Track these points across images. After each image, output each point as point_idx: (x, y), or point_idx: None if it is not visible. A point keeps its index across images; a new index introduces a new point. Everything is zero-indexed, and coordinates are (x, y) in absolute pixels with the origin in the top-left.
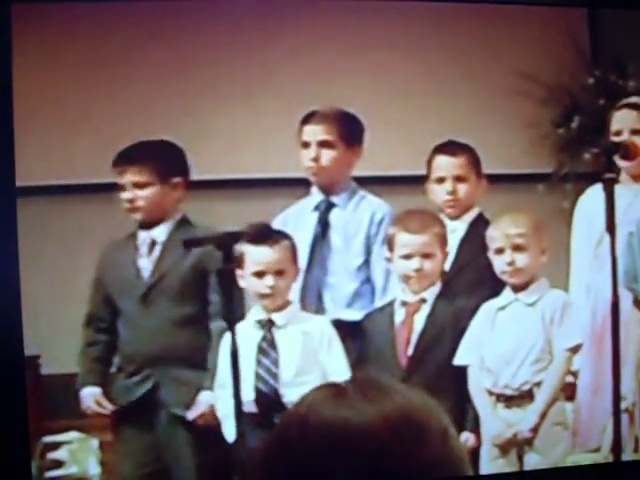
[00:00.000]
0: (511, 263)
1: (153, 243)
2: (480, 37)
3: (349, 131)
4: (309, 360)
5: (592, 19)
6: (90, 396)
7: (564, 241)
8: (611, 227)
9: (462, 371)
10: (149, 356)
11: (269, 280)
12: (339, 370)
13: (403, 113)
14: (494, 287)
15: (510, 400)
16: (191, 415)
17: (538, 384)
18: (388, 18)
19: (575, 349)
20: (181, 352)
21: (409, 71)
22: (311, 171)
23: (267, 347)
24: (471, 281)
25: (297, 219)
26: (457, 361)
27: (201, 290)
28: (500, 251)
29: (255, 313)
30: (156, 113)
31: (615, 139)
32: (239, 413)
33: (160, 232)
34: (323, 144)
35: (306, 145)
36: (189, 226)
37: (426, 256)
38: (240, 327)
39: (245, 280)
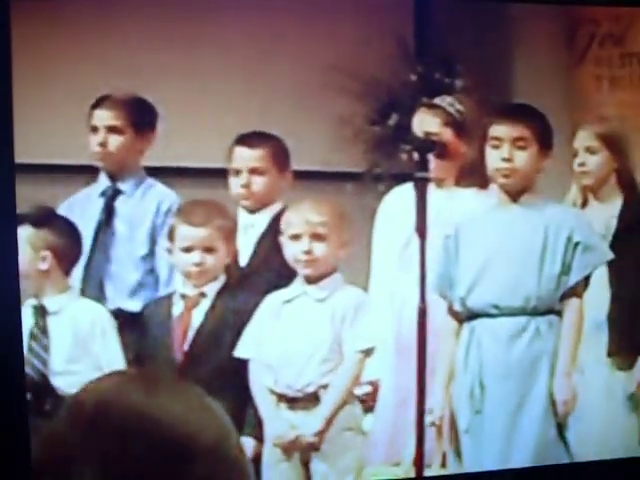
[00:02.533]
0: (308, 252)
1: None
2: (294, 29)
3: (140, 117)
4: (80, 348)
5: (419, 14)
6: None
7: (369, 242)
8: (422, 229)
9: (244, 368)
10: None
11: (44, 264)
12: (112, 361)
13: (209, 106)
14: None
15: (294, 401)
16: None
17: (325, 386)
18: (195, 10)
19: (368, 352)
20: None
21: (216, 64)
22: (99, 156)
23: (38, 333)
24: (269, 278)
25: (83, 205)
26: (237, 353)
27: None
28: (296, 237)
29: (28, 298)
30: None
31: (429, 137)
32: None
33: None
34: (112, 129)
35: (95, 130)
36: None
37: (207, 250)
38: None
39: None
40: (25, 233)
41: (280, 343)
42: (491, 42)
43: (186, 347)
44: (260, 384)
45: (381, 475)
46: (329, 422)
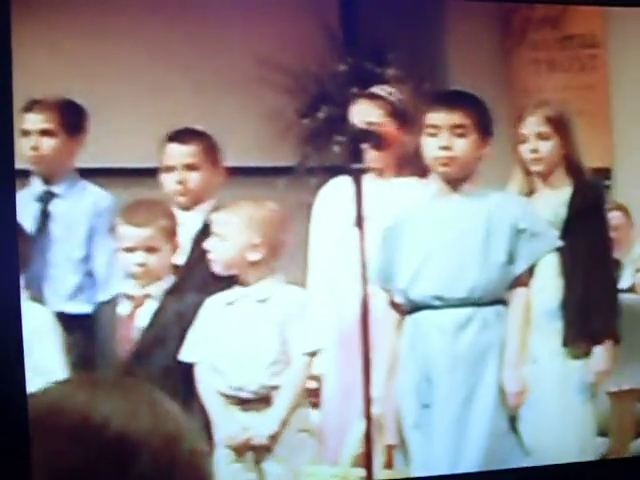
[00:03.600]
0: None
1: None
2: (221, 23)
3: (71, 119)
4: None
5: (345, 2)
6: None
7: (306, 237)
8: (360, 221)
9: (191, 371)
10: None
11: None
12: (52, 366)
13: (134, 102)
14: (229, 282)
15: (246, 403)
16: None
17: (275, 387)
18: (122, 5)
19: (314, 354)
20: None
21: (139, 58)
22: (31, 160)
23: None
24: (204, 276)
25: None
26: (182, 357)
27: None
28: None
29: None
30: None
31: (365, 127)
32: None
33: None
34: (44, 133)
35: (26, 133)
36: None
37: (150, 250)
38: None
39: None
40: None
41: (226, 346)
42: (422, 29)
43: (131, 348)
44: (208, 387)
45: (323, 473)
46: (283, 424)
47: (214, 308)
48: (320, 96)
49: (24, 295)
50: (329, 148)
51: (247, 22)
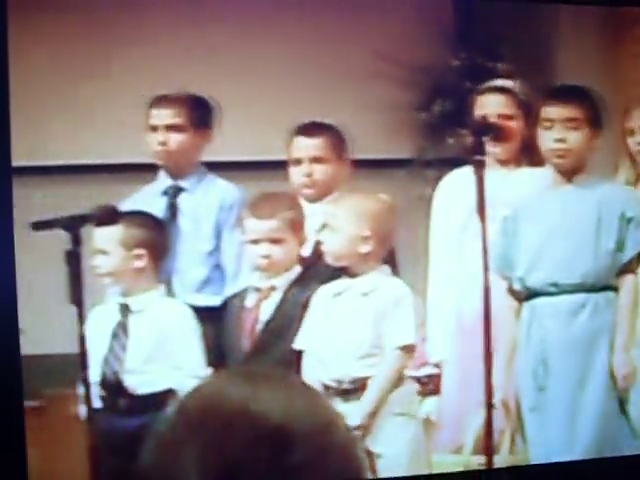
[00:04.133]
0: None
1: None
2: (339, 18)
3: (198, 114)
4: (160, 348)
5: (458, 1)
6: None
7: (424, 229)
8: (482, 211)
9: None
10: None
11: (140, 261)
12: (190, 360)
13: (260, 97)
14: (341, 274)
15: (339, 394)
16: None
17: (367, 380)
18: (246, 5)
19: (406, 349)
20: None
21: (265, 54)
22: (159, 155)
23: (120, 332)
24: (324, 267)
25: (145, 203)
26: (295, 345)
27: None
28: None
29: (115, 296)
30: None
31: (486, 121)
32: (88, 396)
33: None
34: (171, 128)
35: (154, 129)
36: None
37: (275, 241)
38: (101, 310)
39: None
40: (115, 232)
41: (329, 336)
42: (532, 24)
43: (253, 338)
44: (312, 376)
45: (443, 463)
46: (373, 416)
47: (323, 299)
48: (435, 90)
49: (162, 291)
50: (444, 140)
51: (368, 20)
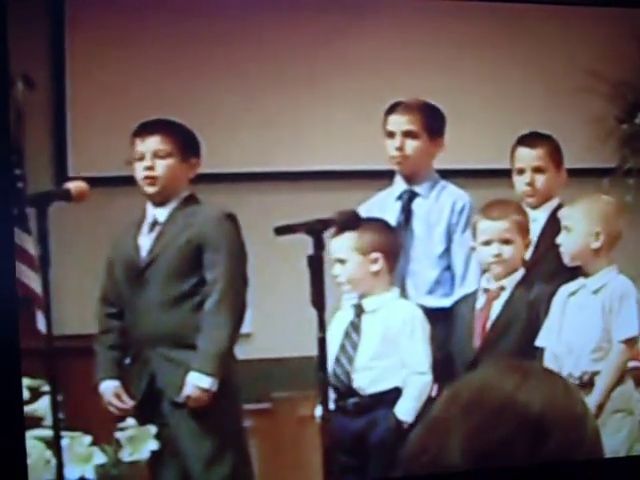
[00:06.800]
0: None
1: (155, 222)
2: (548, 36)
3: (432, 122)
4: (388, 345)
5: None
6: (109, 390)
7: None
8: None
9: (532, 356)
10: (145, 337)
11: (376, 265)
12: (416, 357)
13: (477, 108)
14: (574, 274)
15: None
16: (180, 398)
17: (597, 374)
18: (462, 17)
19: (629, 341)
20: (173, 331)
21: (481, 68)
22: (395, 160)
23: (352, 331)
24: (550, 269)
25: (380, 208)
26: (537, 342)
27: (195, 268)
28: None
29: (349, 298)
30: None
31: None
32: (325, 397)
33: (163, 211)
34: (408, 134)
35: (391, 135)
36: (194, 204)
37: (505, 242)
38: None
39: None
40: (350, 240)
41: (564, 333)
42: None
43: (484, 338)
44: None
45: None
46: (601, 408)
47: (560, 298)
48: (636, 103)
49: (396, 293)
50: None
51: (577, 39)
